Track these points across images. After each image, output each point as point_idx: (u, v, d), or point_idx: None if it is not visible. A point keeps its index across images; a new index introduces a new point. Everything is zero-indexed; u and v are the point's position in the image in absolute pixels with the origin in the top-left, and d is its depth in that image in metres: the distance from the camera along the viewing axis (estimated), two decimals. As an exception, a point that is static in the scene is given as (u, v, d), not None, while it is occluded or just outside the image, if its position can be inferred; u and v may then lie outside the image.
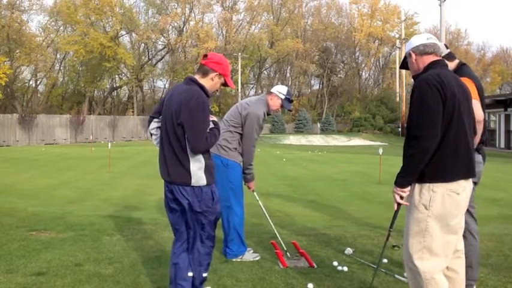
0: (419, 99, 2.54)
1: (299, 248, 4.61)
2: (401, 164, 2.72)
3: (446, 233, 2.58)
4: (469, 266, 3.24)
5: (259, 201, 4.73)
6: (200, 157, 3.01)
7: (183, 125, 2.93)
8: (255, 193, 4.63)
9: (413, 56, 2.77)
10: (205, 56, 3.17)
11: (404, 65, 2.93)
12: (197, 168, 2.99)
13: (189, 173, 2.98)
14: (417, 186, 2.62)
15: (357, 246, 4.77)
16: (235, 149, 4.34)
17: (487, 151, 3.70)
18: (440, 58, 2.77)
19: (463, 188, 2.60)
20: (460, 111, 2.55)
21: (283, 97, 4.48)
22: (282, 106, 4.53)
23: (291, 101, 4.59)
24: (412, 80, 2.81)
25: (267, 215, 4.77)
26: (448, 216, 2.56)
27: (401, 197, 2.69)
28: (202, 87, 3.07)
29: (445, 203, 2.54)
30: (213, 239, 3.18)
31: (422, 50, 2.73)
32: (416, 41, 2.79)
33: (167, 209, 3.16)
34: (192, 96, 2.96)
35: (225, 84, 3.24)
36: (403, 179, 2.63)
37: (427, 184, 2.57)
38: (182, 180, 2.99)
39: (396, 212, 2.84)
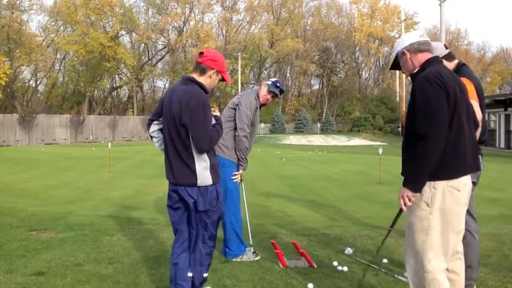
0: (423, 99, 2.50)
1: (299, 248, 4.61)
2: (402, 165, 2.69)
3: (448, 232, 2.55)
4: (468, 266, 3.24)
5: (244, 191, 4.59)
6: (205, 156, 3.01)
7: (186, 125, 2.93)
8: (242, 182, 4.53)
9: (408, 54, 2.69)
10: (200, 53, 3.16)
11: (395, 65, 2.84)
12: (202, 168, 2.99)
13: (195, 173, 2.98)
14: None
15: (357, 246, 4.77)
16: (232, 147, 4.33)
17: (487, 151, 3.69)
18: (435, 55, 2.73)
19: (464, 184, 2.57)
20: (459, 107, 2.52)
21: (269, 83, 4.48)
22: (271, 94, 4.46)
23: (281, 91, 4.50)
24: (410, 79, 2.75)
25: (245, 206, 4.65)
26: (449, 213, 2.53)
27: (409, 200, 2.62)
28: (201, 85, 3.08)
29: (446, 199, 2.51)
30: (215, 239, 3.18)
31: (417, 48, 2.67)
32: (409, 38, 2.71)
33: (169, 208, 3.15)
34: (191, 96, 2.96)
35: (222, 79, 3.24)
36: (417, 183, 2.54)
37: (428, 182, 2.53)
38: (188, 182, 2.99)
39: (400, 212, 2.79)
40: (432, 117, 2.46)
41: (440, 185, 2.51)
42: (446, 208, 2.52)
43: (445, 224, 2.54)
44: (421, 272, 2.56)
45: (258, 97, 4.46)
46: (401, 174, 2.73)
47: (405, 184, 2.60)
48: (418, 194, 2.58)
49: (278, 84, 4.49)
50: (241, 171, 4.41)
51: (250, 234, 4.55)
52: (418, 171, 2.53)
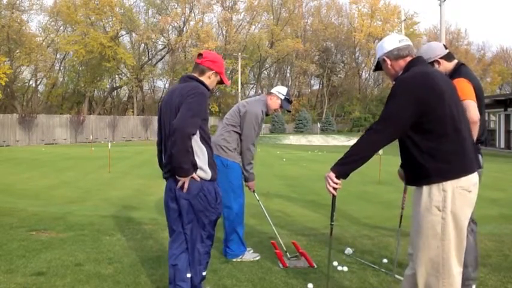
0: (392, 98, 2.49)
1: (299, 248, 4.61)
2: (400, 163, 2.68)
3: (461, 234, 2.48)
4: (465, 266, 3.23)
5: (260, 202, 4.73)
6: (204, 152, 3.00)
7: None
8: (255, 193, 4.63)
9: (388, 61, 2.64)
10: (199, 55, 3.19)
11: (378, 67, 2.80)
12: (202, 162, 2.98)
13: (195, 166, 2.96)
14: (425, 188, 2.47)
15: (357, 246, 4.77)
16: (235, 149, 4.34)
17: (487, 151, 3.68)
18: (419, 55, 2.68)
19: (474, 184, 2.50)
20: (452, 106, 2.48)
21: (282, 97, 4.52)
22: (281, 107, 4.57)
23: (290, 102, 4.62)
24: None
25: (267, 215, 4.78)
26: (461, 216, 2.46)
27: (335, 189, 2.59)
28: (202, 82, 3.10)
29: (456, 201, 2.43)
30: (212, 238, 3.17)
31: (396, 55, 2.61)
32: (389, 45, 2.64)
33: (166, 208, 3.15)
34: (190, 88, 2.99)
35: (220, 82, 3.26)
36: (341, 166, 2.56)
37: (436, 184, 2.44)
38: None
39: (333, 203, 2.75)
40: (388, 116, 2.47)
41: (450, 186, 2.42)
42: (458, 211, 2.44)
43: (459, 227, 2.46)
44: (436, 279, 2.47)
45: (267, 107, 4.50)
46: (406, 183, 2.70)
47: (332, 166, 2.60)
48: (339, 180, 2.58)
49: (290, 99, 4.57)
50: (253, 183, 4.48)
51: (282, 245, 4.57)
52: (348, 155, 2.56)
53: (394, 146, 2.63)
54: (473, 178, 2.50)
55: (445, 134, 2.44)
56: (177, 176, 2.93)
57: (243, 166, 4.39)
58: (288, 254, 4.44)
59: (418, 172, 2.50)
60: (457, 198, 2.43)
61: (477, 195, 2.56)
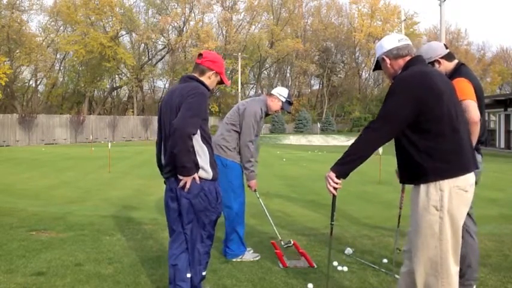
0: (390, 96, 2.50)
1: (299, 248, 4.61)
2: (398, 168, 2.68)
3: (458, 234, 2.49)
4: (468, 266, 3.25)
5: (260, 200, 4.72)
6: (206, 151, 3.01)
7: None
8: (256, 193, 4.62)
9: (388, 60, 2.64)
10: (200, 55, 3.19)
11: (377, 66, 2.79)
12: (203, 162, 2.98)
13: (196, 166, 2.95)
14: (422, 187, 2.47)
15: (357, 246, 4.77)
16: (234, 148, 4.34)
17: (487, 151, 3.68)
18: (418, 55, 2.69)
19: (471, 184, 2.51)
20: (451, 106, 2.48)
21: (284, 100, 4.52)
22: (282, 108, 4.56)
23: (291, 104, 4.62)
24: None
25: (267, 214, 4.77)
26: (457, 215, 2.46)
27: (335, 188, 2.59)
28: (202, 82, 3.10)
29: (453, 200, 2.43)
30: (212, 238, 3.17)
31: (396, 54, 2.61)
32: (388, 44, 2.64)
33: (166, 208, 3.15)
34: (190, 88, 2.99)
35: (220, 82, 3.26)
36: (341, 166, 2.56)
37: (433, 183, 2.44)
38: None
39: (333, 203, 2.74)
40: (385, 115, 2.47)
41: (447, 185, 2.42)
42: (454, 210, 2.44)
43: (455, 227, 2.47)
44: (435, 279, 2.47)
45: (267, 108, 4.50)
46: (400, 182, 2.71)
47: (332, 166, 2.61)
48: (339, 180, 2.57)
49: (290, 101, 4.57)
50: (254, 182, 4.45)
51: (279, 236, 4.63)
52: (347, 154, 2.56)
53: (394, 146, 2.63)
54: (470, 178, 2.50)
55: (442, 134, 2.44)
56: (179, 176, 2.93)
57: (242, 164, 4.37)
58: (282, 242, 4.45)
59: (416, 171, 2.50)
60: (453, 197, 2.43)
61: (476, 195, 2.56)
